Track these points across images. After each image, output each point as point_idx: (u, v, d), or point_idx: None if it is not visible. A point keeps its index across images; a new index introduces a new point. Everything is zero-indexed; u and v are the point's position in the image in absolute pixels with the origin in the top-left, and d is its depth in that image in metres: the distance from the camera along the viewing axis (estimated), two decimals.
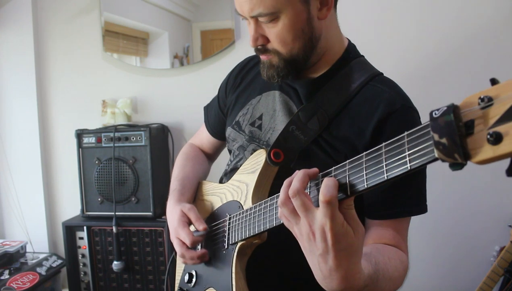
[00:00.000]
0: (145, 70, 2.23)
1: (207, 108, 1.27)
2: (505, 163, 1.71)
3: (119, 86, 2.24)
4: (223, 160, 1.33)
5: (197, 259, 0.96)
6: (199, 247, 1.02)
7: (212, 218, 1.03)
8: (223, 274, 0.91)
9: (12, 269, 1.91)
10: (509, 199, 1.78)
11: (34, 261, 2.02)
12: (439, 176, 1.80)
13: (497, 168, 1.88)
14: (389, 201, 0.86)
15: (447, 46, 1.80)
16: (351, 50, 0.97)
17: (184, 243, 0.96)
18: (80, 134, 1.99)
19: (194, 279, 1.01)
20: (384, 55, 1.82)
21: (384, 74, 0.96)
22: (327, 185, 0.58)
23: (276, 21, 0.85)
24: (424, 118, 0.54)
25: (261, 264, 0.92)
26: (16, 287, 1.81)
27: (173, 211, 1.02)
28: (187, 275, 1.03)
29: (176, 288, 1.10)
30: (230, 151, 1.12)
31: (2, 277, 1.84)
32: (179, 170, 1.17)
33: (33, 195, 2.35)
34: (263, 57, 0.92)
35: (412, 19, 1.83)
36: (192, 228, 0.99)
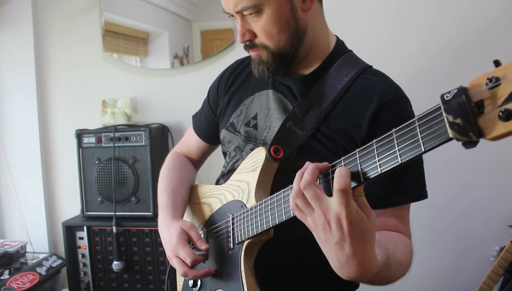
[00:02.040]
0: (145, 70, 2.23)
1: (195, 117, 1.26)
2: (505, 160, 1.71)
3: (119, 86, 2.24)
4: (219, 161, 1.33)
5: (201, 277, 0.95)
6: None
7: (212, 220, 1.02)
8: (231, 274, 0.91)
9: (12, 269, 1.91)
10: (509, 199, 1.78)
11: (34, 261, 2.02)
12: (438, 176, 1.81)
13: (497, 168, 1.87)
14: (390, 190, 0.87)
15: (449, 47, 1.80)
16: (340, 45, 0.99)
17: (184, 262, 0.94)
18: (80, 134, 1.99)
19: (199, 283, 1.00)
20: (386, 56, 1.82)
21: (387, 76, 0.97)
22: (340, 174, 0.60)
23: (260, 14, 0.87)
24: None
25: (268, 261, 0.92)
26: (16, 287, 1.81)
27: (171, 227, 0.99)
28: (191, 280, 1.02)
29: None
30: (225, 154, 1.12)
31: (2, 277, 1.84)
32: (167, 182, 1.14)
33: (33, 195, 2.35)
34: (252, 54, 0.93)
35: (416, 20, 1.83)
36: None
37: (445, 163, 1.79)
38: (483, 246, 1.81)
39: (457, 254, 1.87)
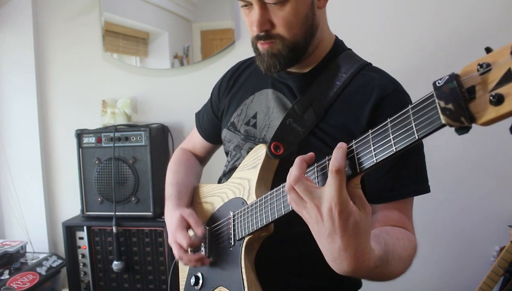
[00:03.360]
0: (145, 70, 2.23)
1: (198, 114, 1.28)
2: (505, 160, 1.70)
3: (119, 86, 2.24)
4: (219, 161, 1.34)
5: (195, 262, 0.97)
6: (202, 250, 1.02)
7: (214, 218, 1.03)
8: (232, 270, 0.91)
9: (12, 269, 1.91)
10: (509, 199, 1.78)
11: (34, 261, 2.02)
12: (438, 176, 1.81)
13: (496, 168, 1.87)
14: (392, 184, 0.87)
15: (447, 44, 1.80)
16: (339, 44, 1.00)
17: (181, 246, 0.98)
18: (80, 134, 1.99)
19: (200, 281, 1.01)
20: (384, 54, 1.82)
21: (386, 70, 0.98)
22: (336, 157, 0.61)
23: (284, 4, 0.86)
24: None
25: (269, 258, 0.93)
26: (16, 287, 1.81)
27: (172, 215, 1.04)
28: (193, 278, 1.03)
29: None
30: (227, 153, 1.13)
31: (2, 277, 1.84)
32: (173, 176, 1.19)
33: (33, 195, 2.35)
34: (264, 46, 0.91)
35: (414, 18, 1.83)
36: (190, 232, 1.00)
37: (445, 163, 1.79)
38: (483, 246, 1.81)
39: (457, 254, 1.87)
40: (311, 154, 0.68)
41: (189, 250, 1.01)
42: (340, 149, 0.62)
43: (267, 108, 1.01)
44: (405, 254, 0.78)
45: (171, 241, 1.01)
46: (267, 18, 0.88)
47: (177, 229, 0.99)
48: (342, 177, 0.60)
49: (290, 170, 0.67)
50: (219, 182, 1.12)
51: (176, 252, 0.99)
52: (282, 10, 0.86)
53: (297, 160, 0.67)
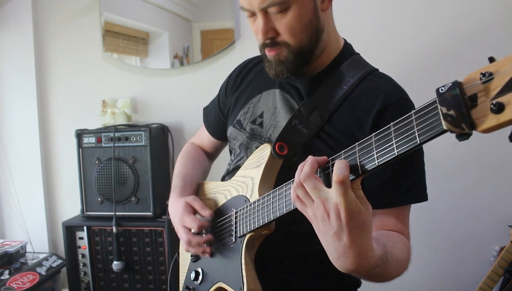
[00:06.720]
0: (145, 70, 2.23)
1: (206, 109, 1.29)
2: (506, 160, 1.70)
3: (119, 86, 2.24)
4: (222, 160, 1.34)
5: (203, 245, 0.98)
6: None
7: (217, 215, 1.04)
8: (232, 267, 0.92)
9: (12, 269, 1.91)
10: (509, 199, 1.78)
11: (34, 261, 2.02)
12: (439, 177, 1.81)
13: (497, 168, 1.86)
14: (391, 191, 0.88)
15: (446, 45, 1.80)
16: (348, 48, 1.01)
17: (190, 230, 0.99)
18: (80, 134, 1.99)
19: (200, 276, 1.02)
20: (383, 54, 1.82)
21: (384, 72, 0.99)
22: (339, 167, 0.62)
23: (286, 11, 0.86)
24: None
25: (270, 256, 0.93)
26: (16, 287, 1.81)
27: (177, 203, 1.05)
28: (193, 273, 1.04)
29: (181, 287, 1.11)
30: (231, 151, 1.14)
31: (2, 277, 1.84)
32: (180, 168, 1.20)
33: (33, 195, 2.35)
34: (271, 53, 0.92)
35: (411, 18, 1.83)
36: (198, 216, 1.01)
37: (446, 164, 1.79)
38: (483, 246, 1.81)
39: (457, 254, 1.87)
40: (324, 157, 0.70)
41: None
42: (342, 161, 0.63)
43: (274, 108, 1.02)
44: (402, 258, 0.80)
45: (178, 227, 1.01)
46: (270, 26, 0.88)
47: (183, 214, 0.99)
48: (346, 186, 0.61)
49: (300, 166, 0.68)
50: (223, 180, 1.13)
51: (183, 236, 0.99)
52: (284, 17, 0.86)
53: (310, 159, 0.68)
